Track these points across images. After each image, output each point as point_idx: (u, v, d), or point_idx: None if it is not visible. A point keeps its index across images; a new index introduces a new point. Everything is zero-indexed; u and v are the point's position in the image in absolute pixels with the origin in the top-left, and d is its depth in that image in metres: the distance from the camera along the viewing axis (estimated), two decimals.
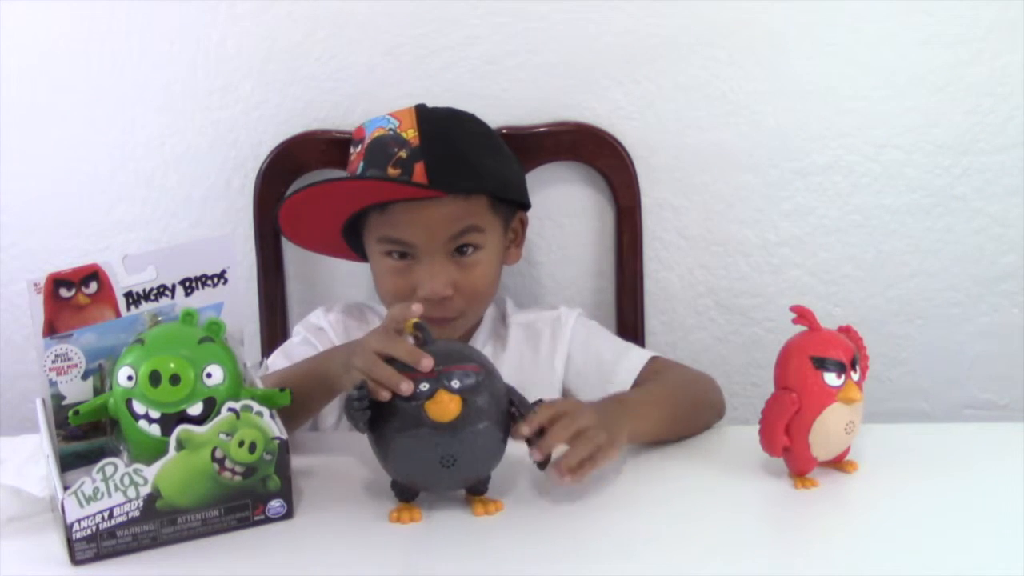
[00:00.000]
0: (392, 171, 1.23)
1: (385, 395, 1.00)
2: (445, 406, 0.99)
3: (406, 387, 0.99)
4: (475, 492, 1.06)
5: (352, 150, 1.30)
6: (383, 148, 1.25)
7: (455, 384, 1.00)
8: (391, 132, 1.26)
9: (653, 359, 1.31)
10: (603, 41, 1.43)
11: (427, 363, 1.00)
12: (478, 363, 1.03)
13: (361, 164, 1.27)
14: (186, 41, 1.44)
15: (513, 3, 1.42)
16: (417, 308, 1.05)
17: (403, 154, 1.23)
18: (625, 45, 1.43)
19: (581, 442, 1.05)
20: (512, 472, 1.10)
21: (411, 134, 1.25)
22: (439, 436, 1.00)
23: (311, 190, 1.25)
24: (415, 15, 1.42)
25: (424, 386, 1.00)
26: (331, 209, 1.28)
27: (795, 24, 1.43)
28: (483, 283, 1.29)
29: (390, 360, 1.02)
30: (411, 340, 1.05)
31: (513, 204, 1.33)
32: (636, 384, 1.27)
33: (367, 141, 1.27)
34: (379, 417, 1.02)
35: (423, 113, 1.28)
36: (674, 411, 1.21)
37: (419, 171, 1.22)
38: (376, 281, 1.32)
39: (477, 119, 1.34)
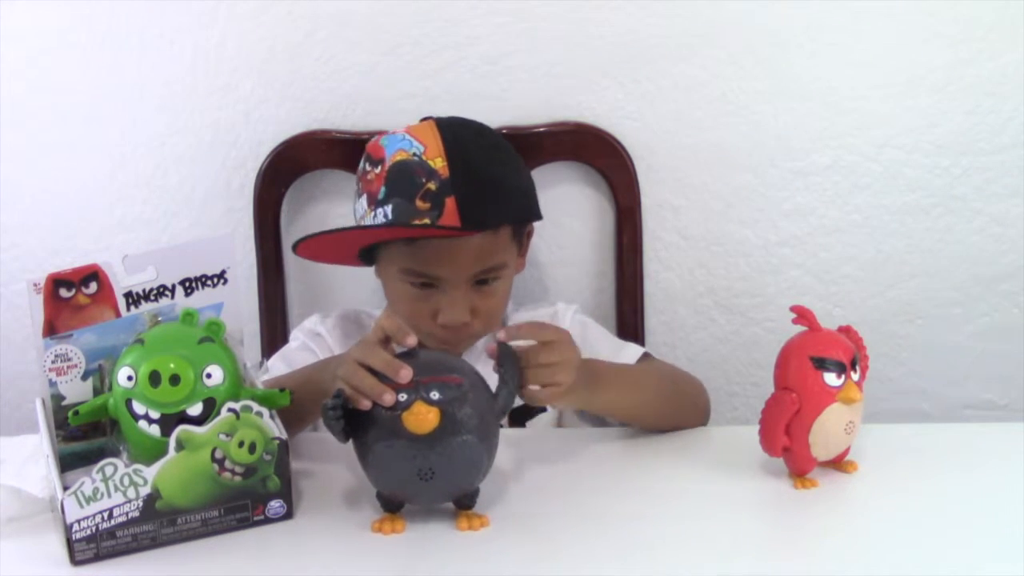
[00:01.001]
0: (421, 204, 1.20)
1: (365, 404, 0.99)
2: (423, 417, 0.98)
3: (389, 398, 0.98)
4: (462, 506, 1.05)
5: (368, 168, 1.26)
6: (409, 176, 1.22)
7: (434, 395, 0.98)
8: (416, 159, 1.23)
9: (646, 355, 1.32)
10: (603, 41, 1.43)
11: (405, 374, 0.99)
12: (461, 374, 1.02)
13: (383, 189, 1.23)
14: (186, 41, 1.44)
15: (513, 3, 1.42)
16: (411, 340, 1.03)
17: (432, 186, 1.20)
18: (625, 45, 1.43)
19: (552, 371, 1.07)
20: (503, 487, 1.10)
21: (439, 164, 1.21)
22: (416, 448, 0.98)
23: (344, 234, 1.24)
24: (415, 15, 1.42)
25: (402, 396, 0.99)
26: (355, 241, 1.27)
27: (795, 24, 1.43)
28: (500, 307, 1.30)
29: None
30: (397, 350, 1.04)
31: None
32: None
33: (388, 163, 1.24)
34: (360, 427, 1.01)
35: (447, 136, 1.24)
36: (650, 397, 1.22)
37: (450, 207, 1.19)
38: (392, 301, 1.30)
39: (492, 131, 1.33)
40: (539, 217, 1.34)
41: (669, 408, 1.23)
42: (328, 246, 1.28)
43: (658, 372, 1.29)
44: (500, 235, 1.25)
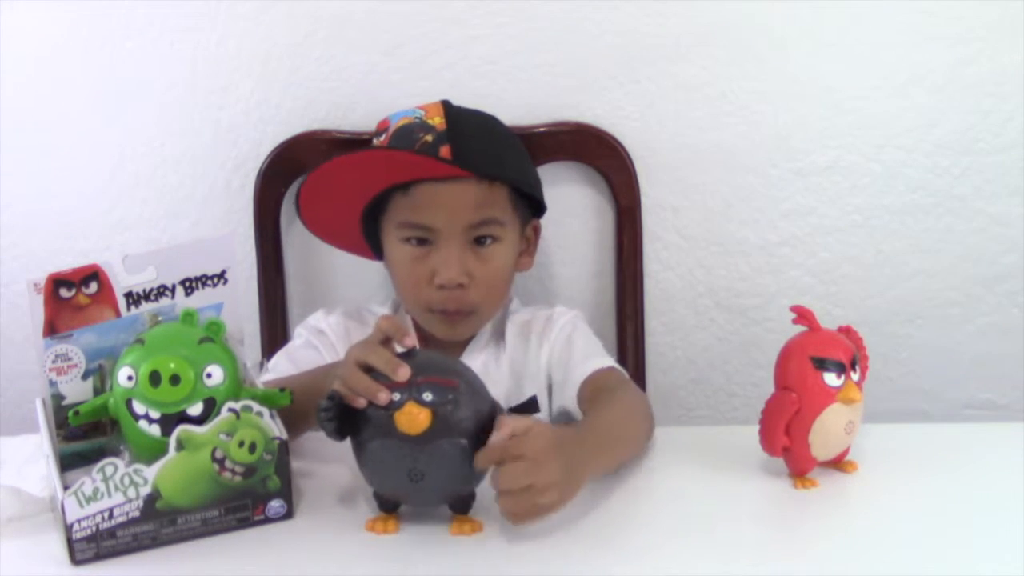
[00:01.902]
0: None
1: (360, 403, 0.99)
2: (414, 418, 0.97)
3: (383, 396, 0.98)
4: (456, 509, 1.04)
5: (375, 140, 1.31)
6: (409, 133, 1.26)
7: (427, 397, 0.98)
8: (417, 120, 1.27)
9: (611, 368, 1.27)
10: (603, 41, 1.43)
11: (403, 372, 0.99)
12: (458, 377, 1.01)
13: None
14: (186, 41, 1.44)
15: (513, 3, 1.42)
16: (410, 341, 1.04)
17: (429, 138, 1.24)
18: (625, 45, 1.43)
19: (529, 496, 0.98)
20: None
21: (437, 121, 1.26)
22: (407, 448, 0.98)
23: (335, 161, 1.24)
24: (415, 15, 1.42)
25: (396, 396, 0.98)
26: (352, 189, 1.27)
27: (795, 24, 1.43)
28: (498, 277, 1.29)
29: (375, 370, 1.01)
30: (399, 350, 1.04)
31: (530, 207, 1.34)
32: (585, 382, 1.24)
33: (392, 129, 1.28)
34: (355, 426, 1.01)
35: (450, 105, 1.30)
36: (625, 449, 1.16)
37: (444, 152, 1.23)
38: (393, 274, 1.32)
39: (501, 121, 1.35)
40: (542, 202, 1.35)
41: (632, 451, 1.18)
42: (333, 207, 1.29)
43: (619, 408, 1.20)
44: (495, 191, 1.27)
